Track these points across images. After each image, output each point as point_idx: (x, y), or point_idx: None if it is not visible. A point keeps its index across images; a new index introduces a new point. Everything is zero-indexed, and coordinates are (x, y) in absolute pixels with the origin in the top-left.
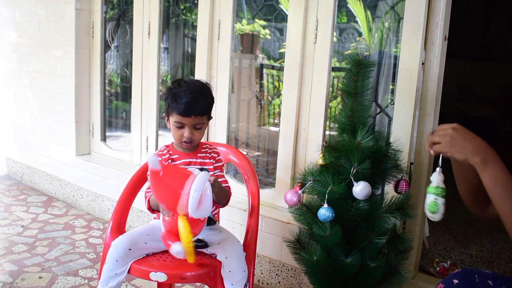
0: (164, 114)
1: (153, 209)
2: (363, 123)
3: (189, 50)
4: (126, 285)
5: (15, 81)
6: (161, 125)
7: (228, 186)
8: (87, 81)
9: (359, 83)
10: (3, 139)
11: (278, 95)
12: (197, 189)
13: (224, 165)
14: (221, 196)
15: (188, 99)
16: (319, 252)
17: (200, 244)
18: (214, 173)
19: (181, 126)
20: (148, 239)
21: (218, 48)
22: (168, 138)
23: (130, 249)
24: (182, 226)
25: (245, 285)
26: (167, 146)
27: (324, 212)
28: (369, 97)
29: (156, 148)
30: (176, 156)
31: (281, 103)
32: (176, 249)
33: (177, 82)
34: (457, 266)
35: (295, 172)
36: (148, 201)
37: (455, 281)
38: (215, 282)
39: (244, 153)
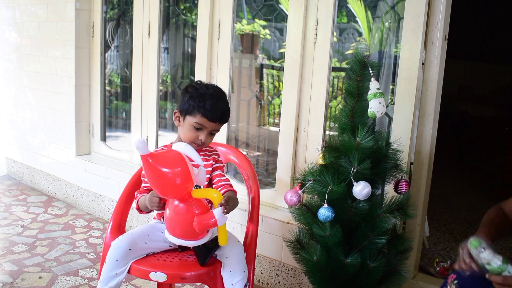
0: (176, 110)
1: (141, 210)
2: (363, 123)
3: (189, 50)
4: (126, 285)
5: (15, 81)
6: (161, 125)
7: (230, 185)
8: (87, 81)
9: (362, 84)
10: (3, 139)
11: (278, 95)
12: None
13: (225, 165)
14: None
15: (218, 104)
16: (319, 252)
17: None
18: (213, 173)
19: (200, 128)
20: (148, 239)
21: (218, 48)
22: (168, 138)
23: (130, 249)
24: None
25: (245, 285)
26: (165, 146)
27: (324, 212)
28: None
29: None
30: None
31: (281, 103)
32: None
33: (203, 83)
34: None
35: (295, 172)
36: (137, 202)
37: (467, 272)
38: (215, 282)
39: (244, 153)
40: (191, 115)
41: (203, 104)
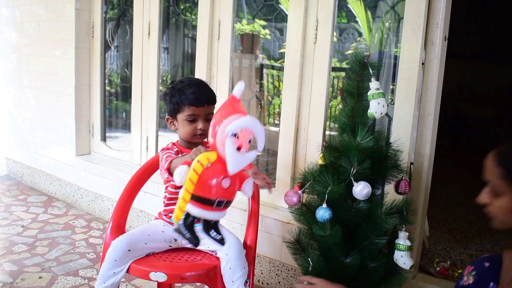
0: (167, 117)
1: (170, 172)
2: (363, 123)
3: (189, 50)
4: (126, 285)
5: (15, 81)
6: (161, 125)
7: None
8: (87, 81)
9: (361, 84)
10: (3, 139)
11: (278, 95)
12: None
13: None
14: None
15: (197, 89)
16: (315, 259)
17: (217, 238)
18: None
19: (193, 119)
20: (149, 239)
21: (218, 48)
22: (168, 138)
23: (129, 250)
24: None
25: (246, 281)
26: (173, 143)
27: (321, 213)
28: None
29: (156, 149)
30: (184, 154)
31: (281, 103)
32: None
33: (177, 81)
34: (457, 266)
35: (295, 172)
36: (170, 163)
37: (486, 264)
38: (215, 282)
39: None
40: (180, 111)
41: (185, 95)
